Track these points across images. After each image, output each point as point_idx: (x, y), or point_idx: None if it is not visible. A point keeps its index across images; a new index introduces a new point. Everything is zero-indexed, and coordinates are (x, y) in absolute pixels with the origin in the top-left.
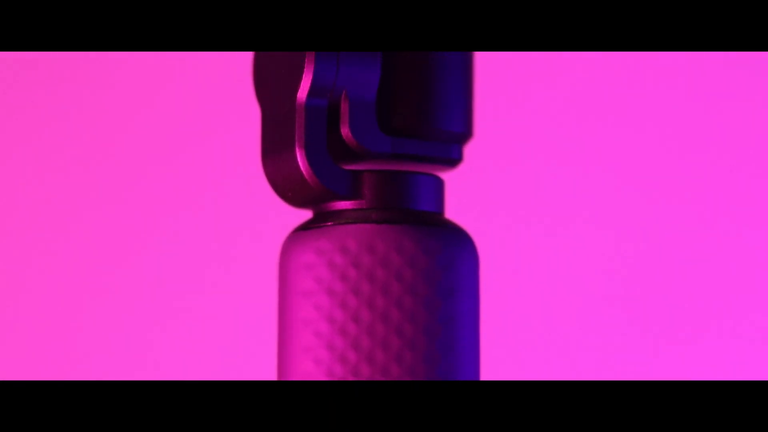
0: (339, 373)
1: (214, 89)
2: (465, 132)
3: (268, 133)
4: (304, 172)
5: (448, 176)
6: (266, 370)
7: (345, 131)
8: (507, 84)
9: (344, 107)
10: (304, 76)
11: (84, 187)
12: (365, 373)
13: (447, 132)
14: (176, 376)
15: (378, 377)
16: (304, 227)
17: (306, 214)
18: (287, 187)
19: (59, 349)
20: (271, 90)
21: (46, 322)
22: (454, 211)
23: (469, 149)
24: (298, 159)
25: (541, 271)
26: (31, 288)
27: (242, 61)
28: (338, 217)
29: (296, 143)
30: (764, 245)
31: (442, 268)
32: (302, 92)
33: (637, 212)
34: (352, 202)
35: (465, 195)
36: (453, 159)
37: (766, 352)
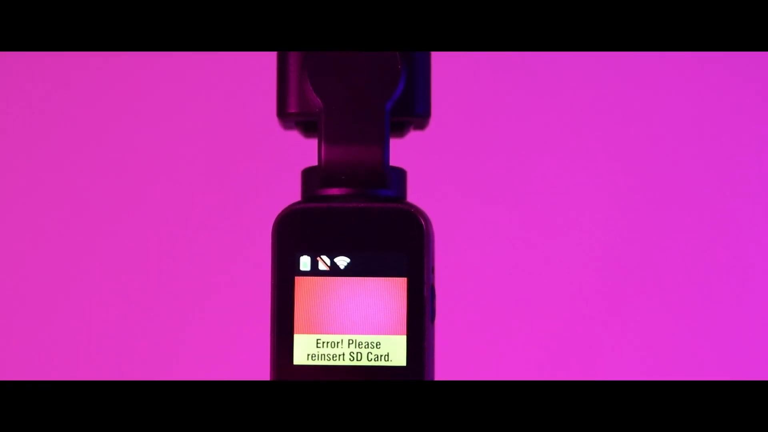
0: None
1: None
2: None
3: (335, 123)
4: (384, 163)
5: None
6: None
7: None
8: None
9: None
10: (396, 91)
11: (84, 188)
12: None
13: None
14: (174, 376)
15: None
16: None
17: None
18: (349, 171)
19: (57, 349)
20: (340, 88)
21: (45, 322)
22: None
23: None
24: (383, 152)
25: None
26: (30, 288)
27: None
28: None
29: (382, 141)
30: (763, 245)
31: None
32: (390, 103)
33: (630, 212)
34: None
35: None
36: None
37: (765, 352)
